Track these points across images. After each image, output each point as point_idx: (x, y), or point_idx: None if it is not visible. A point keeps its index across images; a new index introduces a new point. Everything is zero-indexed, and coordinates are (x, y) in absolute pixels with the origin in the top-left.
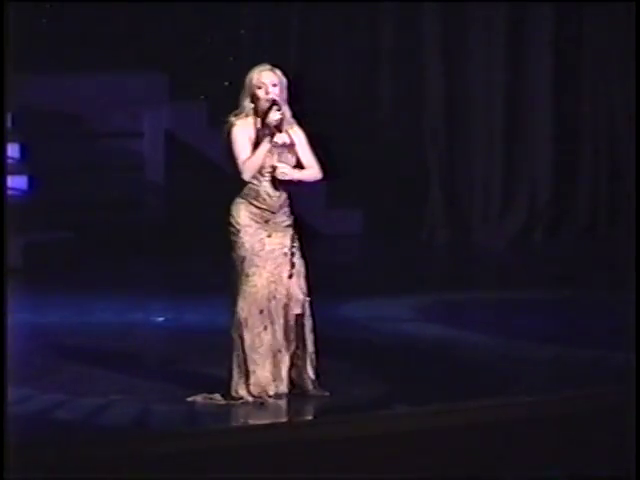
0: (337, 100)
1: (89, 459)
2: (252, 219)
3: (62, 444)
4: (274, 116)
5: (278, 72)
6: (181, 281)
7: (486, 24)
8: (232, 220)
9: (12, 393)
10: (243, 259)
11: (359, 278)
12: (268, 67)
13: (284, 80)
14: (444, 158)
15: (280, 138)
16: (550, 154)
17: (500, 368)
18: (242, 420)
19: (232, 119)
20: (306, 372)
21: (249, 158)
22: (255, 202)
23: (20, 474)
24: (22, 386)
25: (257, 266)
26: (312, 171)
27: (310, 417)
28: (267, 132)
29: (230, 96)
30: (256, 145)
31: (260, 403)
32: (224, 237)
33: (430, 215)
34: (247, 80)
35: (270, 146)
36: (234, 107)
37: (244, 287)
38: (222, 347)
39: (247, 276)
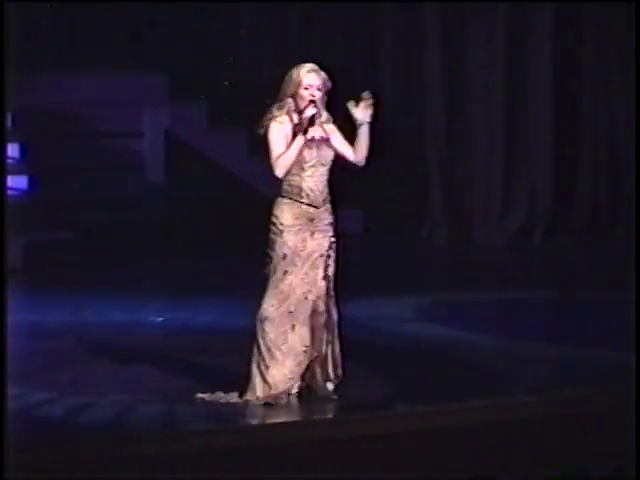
0: (336, 100)
1: (89, 459)
2: (296, 219)
3: (62, 444)
4: (309, 112)
5: (323, 75)
6: (181, 281)
7: (486, 24)
8: (275, 220)
9: (12, 393)
10: (284, 256)
11: (359, 278)
12: (315, 68)
13: (328, 84)
14: (444, 158)
15: (318, 133)
16: (550, 154)
17: (500, 368)
18: (242, 421)
19: (274, 112)
20: (324, 373)
21: (283, 153)
22: (299, 199)
23: (20, 474)
24: (22, 386)
25: (295, 265)
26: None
27: (309, 418)
28: (302, 127)
29: (230, 96)
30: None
31: (266, 403)
32: (224, 237)
33: (430, 215)
34: (292, 77)
35: (304, 141)
36: (234, 107)
37: (279, 284)
38: (223, 347)
39: (284, 274)
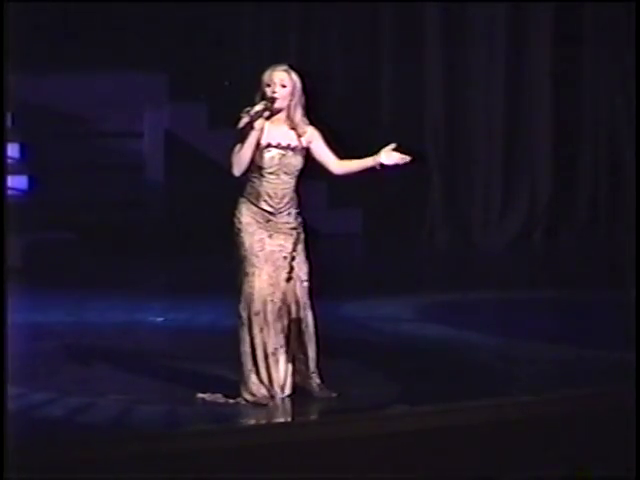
0: (337, 100)
1: (89, 459)
2: (253, 218)
3: (62, 444)
4: (257, 106)
5: (293, 74)
6: (181, 281)
7: (486, 24)
8: (235, 219)
9: (12, 393)
10: (243, 258)
11: (359, 278)
12: (283, 67)
13: (298, 83)
14: (444, 158)
15: (285, 140)
16: (550, 154)
17: (500, 368)
18: (242, 421)
19: (242, 114)
20: (310, 376)
21: (237, 152)
22: (256, 202)
23: (20, 474)
24: (22, 386)
25: (256, 267)
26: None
27: (309, 418)
28: (251, 122)
29: (230, 96)
30: (268, 146)
31: (262, 404)
32: (224, 237)
33: (430, 215)
34: (261, 78)
35: (253, 140)
36: (234, 107)
37: (244, 287)
38: (223, 347)
39: (246, 276)
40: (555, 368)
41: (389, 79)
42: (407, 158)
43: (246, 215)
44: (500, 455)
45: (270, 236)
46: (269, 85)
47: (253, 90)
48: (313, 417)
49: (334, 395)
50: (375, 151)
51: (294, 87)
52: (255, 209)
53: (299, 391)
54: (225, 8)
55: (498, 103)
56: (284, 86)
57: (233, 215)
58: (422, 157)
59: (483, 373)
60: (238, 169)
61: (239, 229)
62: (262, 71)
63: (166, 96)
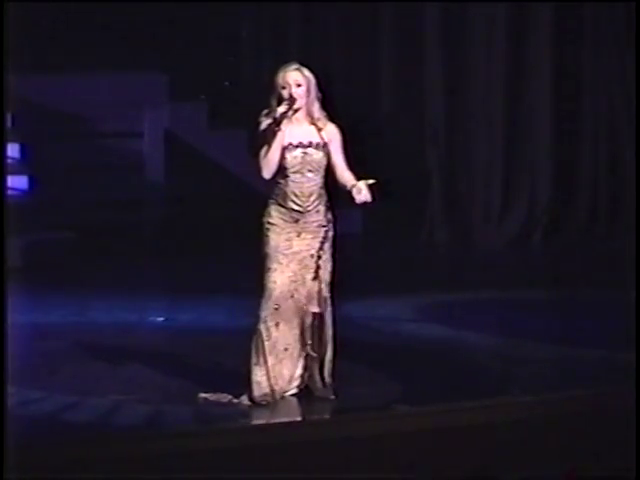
0: (336, 100)
1: (89, 459)
2: (282, 219)
3: (62, 444)
4: (281, 108)
5: (305, 71)
6: (181, 281)
7: (486, 23)
8: (263, 219)
9: (12, 393)
10: (267, 255)
11: (359, 278)
12: (294, 66)
13: (312, 79)
14: (444, 158)
15: (306, 138)
16: (550, 154)
17: (500, 368)
18: (242, 421)
19: (262, 119)
20: (320, 375)
21: (264, 155)
22: (283, 203)
23: (20, 474)
24: (22, 386)
25: (280, 263)
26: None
27: (309, 418)
28: (275, 124)
29: (230, 96)
30: (289, 145)
31: (263, 404)
32: (224, 237)
33: (430, 215)
34: (273, 82)
35: (282, 140)
36: (234, 107)
37: (265, 282)
38: (223, 347)
39: (268, 271)
40: (555, 368)
41: (389, 79)
42: (369, 200)
43: (275, 217)
44: (500, 455)
45: (298, 235)
46: (284, 87)
47: (253, 90)
48: (313, 417)
49: (332, 397)
50: (365, 173)
51: (309, 84)
52: (284, 210)
53: (305, 391)
54: (225, 8)
55: (498, 103)
56: (299, 85)
57: (262, 216)
58: (389, 193)
59: (483, 373)
60: (268, 171)
61: (267, 228)
62: (270, 73)
63: (166, 96)
